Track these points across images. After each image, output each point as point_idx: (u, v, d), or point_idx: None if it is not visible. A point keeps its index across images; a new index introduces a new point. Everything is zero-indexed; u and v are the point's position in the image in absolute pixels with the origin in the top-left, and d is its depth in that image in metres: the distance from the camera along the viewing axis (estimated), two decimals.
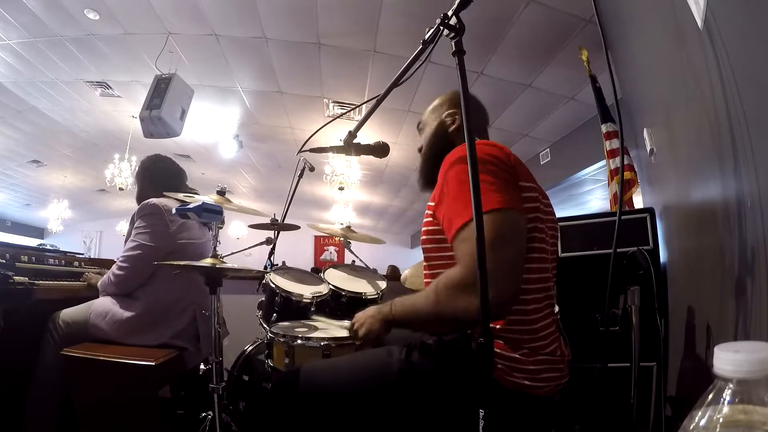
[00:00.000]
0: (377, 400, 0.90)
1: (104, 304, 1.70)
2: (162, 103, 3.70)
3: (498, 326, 0.87)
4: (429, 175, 1.13)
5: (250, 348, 1.92)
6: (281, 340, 1.23)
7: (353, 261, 2.08)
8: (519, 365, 0.85)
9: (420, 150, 1.19)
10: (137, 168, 2.01)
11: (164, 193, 1.75)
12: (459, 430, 0.84)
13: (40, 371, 1.63)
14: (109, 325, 1.64)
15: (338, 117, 2.78)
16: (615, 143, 2.65)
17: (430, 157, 1.13)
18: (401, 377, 0.90)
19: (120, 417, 1.50)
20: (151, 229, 1.71)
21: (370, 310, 1.01)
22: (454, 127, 1.11)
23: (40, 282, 1.69)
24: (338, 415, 0.91)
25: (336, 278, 1.82)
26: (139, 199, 1.91)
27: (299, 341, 1.21)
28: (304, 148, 1.24)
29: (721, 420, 0.34)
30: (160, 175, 1.93)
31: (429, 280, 1.00)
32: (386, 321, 0.97)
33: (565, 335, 1.02)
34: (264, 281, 1.76)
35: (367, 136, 1.08)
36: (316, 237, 11.64)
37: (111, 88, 4.91)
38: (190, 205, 1.30)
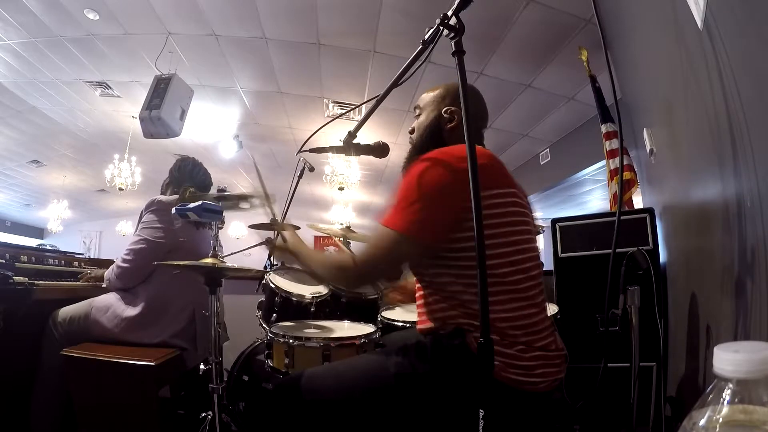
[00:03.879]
0: (375, 403, 0.90)
1: (107, 299, 1.71)
2: (162, 103, 3.70)
3: (495, 322, 0.87)
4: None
5: (250, 348, 1.92)
6: (281, 340, 1.23)
7: None
8: (515, 361, 0.86)
9: (411, 132, 1.15)
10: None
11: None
12: (458, 429, 0.84)
13: (42, 371, 1.63)
14: (109, 320, 1.64)
15: (338, 117, 2.78)
16: (615, 143, 2.66)
17: (419, 146, 1.10)
18: (398, 380, 0.90)
19: (120, 417, 1.50)
20: (156, 225, 1.72)
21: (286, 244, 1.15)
22: (451, 125, 1.07)
23: (40, 282, 1.69)
24: (337, 419, 0.91)
25: None
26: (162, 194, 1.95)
27: (299, 341, 1.21)
28: (303, 149, 1.24)
29: (720, 420, 0.34)
30: (183, 176, 1.95)
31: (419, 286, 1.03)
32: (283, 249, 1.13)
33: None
34: (264, 281, 1.76)
35: (367, 136, 1.08)
36: (316, 237, 11.55)
37: (111, 88, 4.90)
38: (190, 205, 1.29)
